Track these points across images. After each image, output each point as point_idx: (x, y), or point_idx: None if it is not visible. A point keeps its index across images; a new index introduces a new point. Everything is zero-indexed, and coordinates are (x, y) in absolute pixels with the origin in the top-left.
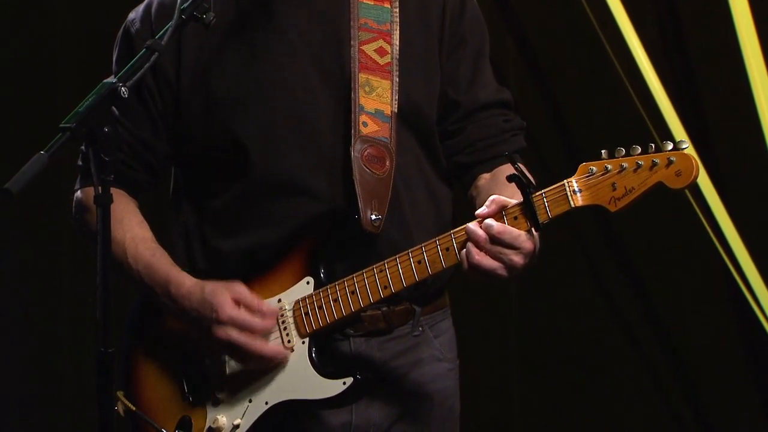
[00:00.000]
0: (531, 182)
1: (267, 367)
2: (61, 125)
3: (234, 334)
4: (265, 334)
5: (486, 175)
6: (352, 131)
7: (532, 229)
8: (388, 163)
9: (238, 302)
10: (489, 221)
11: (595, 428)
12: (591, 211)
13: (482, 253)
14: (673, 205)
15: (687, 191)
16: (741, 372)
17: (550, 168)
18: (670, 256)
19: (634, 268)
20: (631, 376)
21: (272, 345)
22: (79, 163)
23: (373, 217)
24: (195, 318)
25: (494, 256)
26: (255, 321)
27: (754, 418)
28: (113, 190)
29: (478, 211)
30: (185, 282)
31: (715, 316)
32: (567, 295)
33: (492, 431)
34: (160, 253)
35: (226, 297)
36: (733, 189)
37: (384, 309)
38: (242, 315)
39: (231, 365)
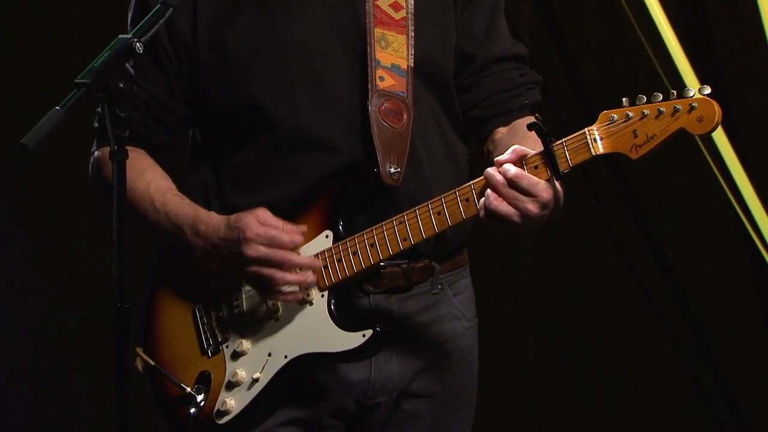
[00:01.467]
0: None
1: (296, 296)
2: (76, 80)
3: (263, 249)
4: (293, 249)
5: (503, 129)
6: (369, 86)
7: (553, 179)
8: (405, 117)
9: (262, 223)
10: (507, 165)
11: (610, 383)
12: (612, 159)
13: (499, 198)
14: (688, 158)
15: (702, 145)
16: (754, 321)
17: (564, 123)
18: (685, 209)
19: (649, 224)
20: (646, 331)
21: (303, 256)
22: (96, 124)
23: (392, 170)
24: (223, 246)
25: (510, 202)
26: (282, 234)
27: None
28: (131, 149)
29: (498, 158)
30: (213, 217)
31: (730, 269)
32: (581, 250)
33: (506, 389)
34: (187, 200)
35: (251, 218)
36: (749, 143)
37: (404, 266)
38: (269, 230)
39: (251, 317)
